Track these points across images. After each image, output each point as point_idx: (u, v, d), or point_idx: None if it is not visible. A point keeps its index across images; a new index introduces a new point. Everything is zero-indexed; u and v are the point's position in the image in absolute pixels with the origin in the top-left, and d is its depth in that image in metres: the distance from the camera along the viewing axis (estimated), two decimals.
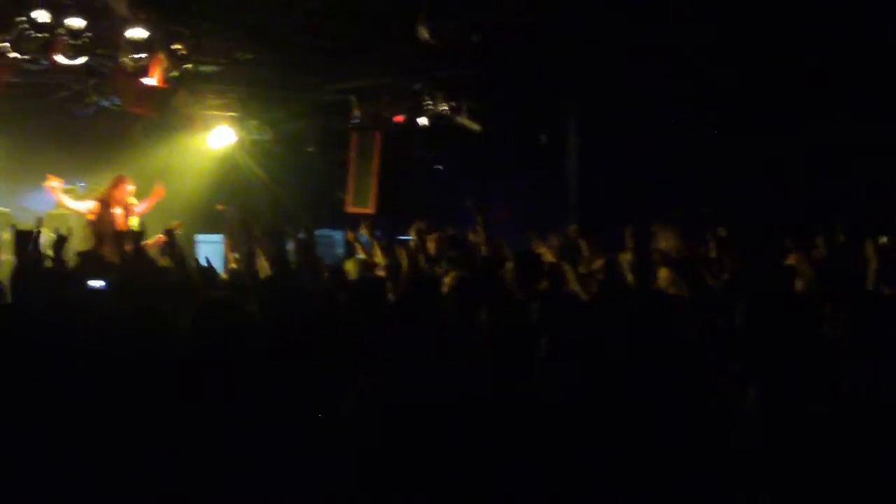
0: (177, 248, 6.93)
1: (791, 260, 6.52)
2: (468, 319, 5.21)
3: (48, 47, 8.73)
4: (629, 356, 4.33)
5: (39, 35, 8.52)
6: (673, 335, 4.51)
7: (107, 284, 5.84)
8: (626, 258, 6.69)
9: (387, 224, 11.43)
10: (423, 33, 8.62)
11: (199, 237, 13.15)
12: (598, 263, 6.73)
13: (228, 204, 13.56)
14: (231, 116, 13.14)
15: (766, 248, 7.23)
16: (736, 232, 7.16)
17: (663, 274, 6.20)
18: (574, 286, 6.04)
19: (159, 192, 10.95)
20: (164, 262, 6.96)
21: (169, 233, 7.15)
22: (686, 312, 5.14)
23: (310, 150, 13.76)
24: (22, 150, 12.48)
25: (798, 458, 3.58)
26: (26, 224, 7.33)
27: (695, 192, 10.06)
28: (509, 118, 12.05)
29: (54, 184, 10.24)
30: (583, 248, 7.31)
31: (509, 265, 6.27)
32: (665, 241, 7.58)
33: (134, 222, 10.29)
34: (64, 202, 10.56)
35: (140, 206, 10.68)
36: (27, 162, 12.46)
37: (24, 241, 6.16)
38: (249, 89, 12.18)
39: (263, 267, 7.13)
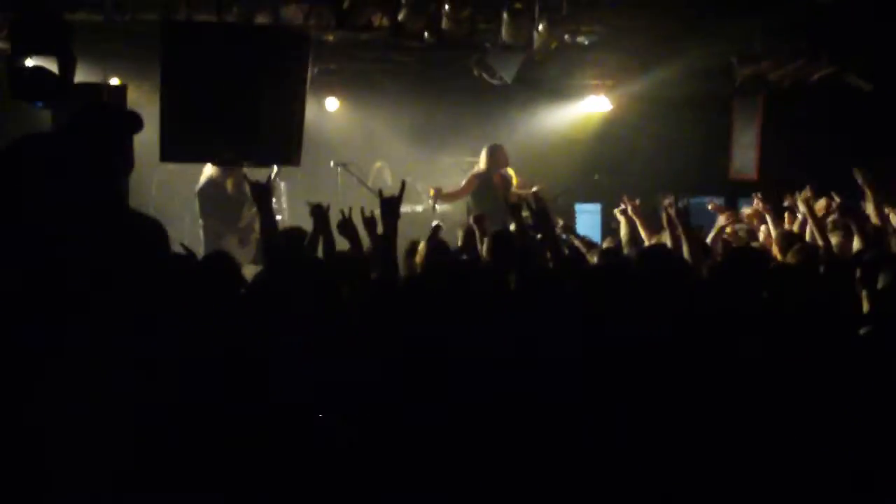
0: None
1: None
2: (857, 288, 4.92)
3: (434, 24, 9.09)
4: None
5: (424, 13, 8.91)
6: None
7: None
8: None
9: (771, 191, 10.96)
10: None
11: (579, 206, 13.26)
12: None
13: (606, 173, 13.59)
14: (607, 85, 13.14)
15: None
16: None
17: None
18: None
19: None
20: None
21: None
22: None
23: (689, 116, 13.45)
24: (408, 126, 13.16)
25: None
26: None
27: None
28: None
29: (433, 195, 10.61)
30: None
31: None
32: None
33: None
34: (449, 198, 10.88)
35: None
36: (410, 137, 13.15)
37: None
38: (626, 57, 12.06)
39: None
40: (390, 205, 5.44)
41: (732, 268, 5.15)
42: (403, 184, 5.70)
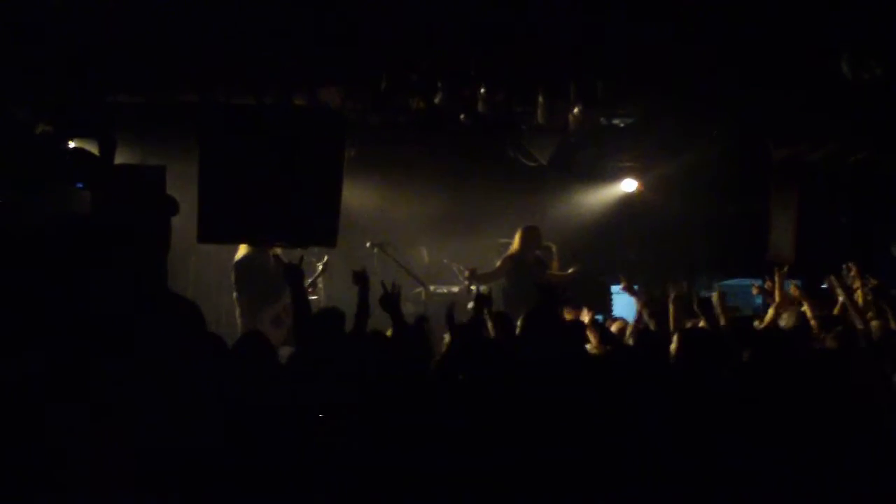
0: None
1: None
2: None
3: (470, 107, 9.16)
4: None
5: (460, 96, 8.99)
6: None
7: None
8: None
9: (809, 272, 10.86)
10: (846, 70, 8.08)
11: (615, 288, 13.19)
12: None
13: (642, 254, 13.53)
14: (642, 166, 13.15)
15: None
16: None
17: None
18: None
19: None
20: None
21: None
22: None
23: (725, 196, 13.41)
24: (444, 207, 13.19)
25: None
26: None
27: None
28: None
29: (468, 276, 10.46)
30: None
31: None
32: None
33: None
34: (484, 279, 10.76)
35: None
36: (446, 218, 13.17)
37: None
38: (662, 138, 12.09)
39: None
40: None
41: (766, 351, 5.11)
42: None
